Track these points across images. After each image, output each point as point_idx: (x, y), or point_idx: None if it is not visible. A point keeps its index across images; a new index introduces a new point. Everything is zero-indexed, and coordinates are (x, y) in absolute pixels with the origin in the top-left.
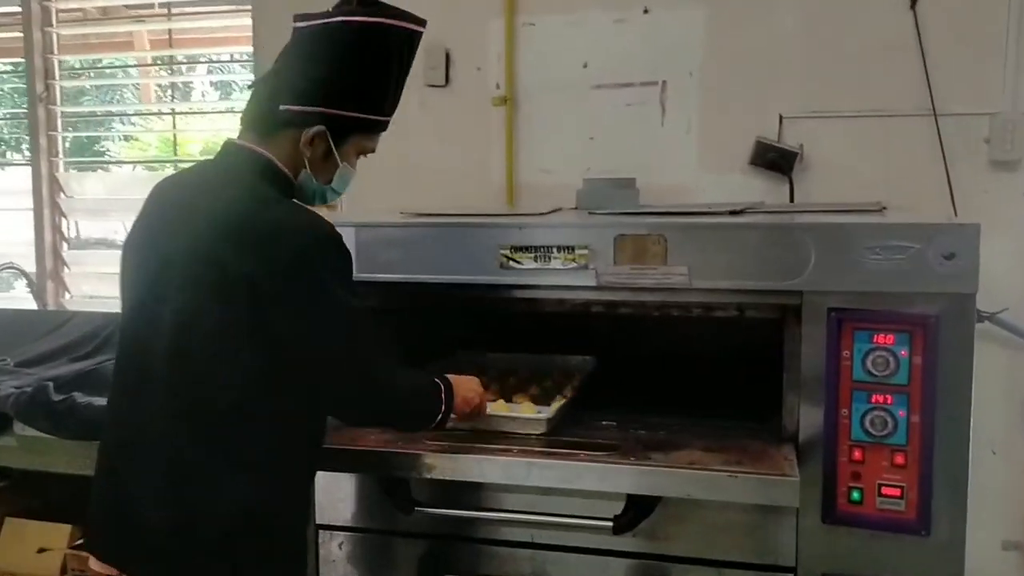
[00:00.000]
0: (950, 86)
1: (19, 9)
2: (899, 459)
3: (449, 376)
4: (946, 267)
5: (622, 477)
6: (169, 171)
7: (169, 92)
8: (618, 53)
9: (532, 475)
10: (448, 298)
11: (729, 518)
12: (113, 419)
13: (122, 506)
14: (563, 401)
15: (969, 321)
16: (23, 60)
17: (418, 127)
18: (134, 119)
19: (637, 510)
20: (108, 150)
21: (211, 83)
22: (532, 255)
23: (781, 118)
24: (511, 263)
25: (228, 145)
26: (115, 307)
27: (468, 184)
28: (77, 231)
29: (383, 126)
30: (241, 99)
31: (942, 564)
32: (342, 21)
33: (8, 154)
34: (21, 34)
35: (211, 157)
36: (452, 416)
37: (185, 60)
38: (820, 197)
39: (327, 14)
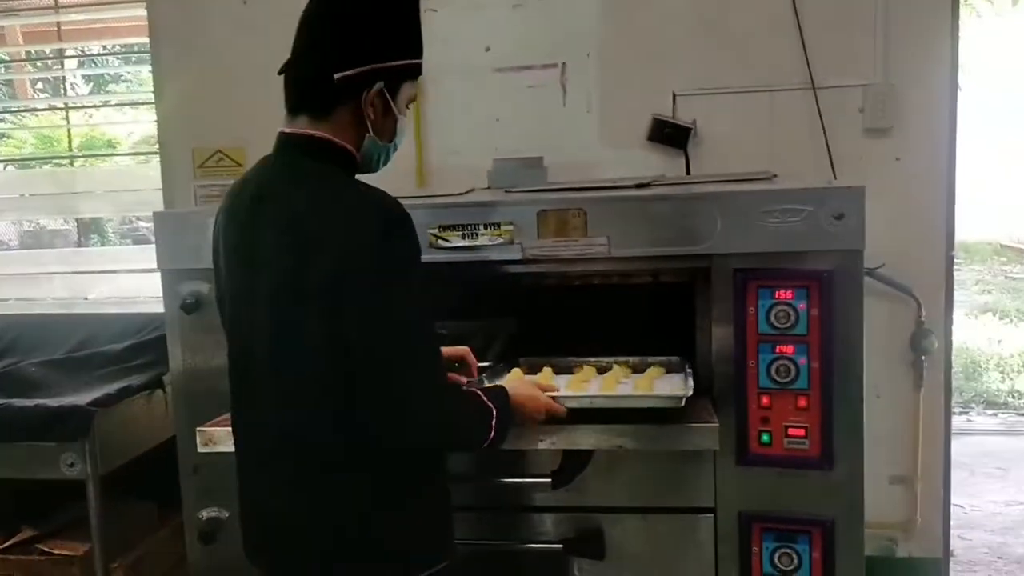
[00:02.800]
0: (826, 61)
1: None
2: (802, 403)
3: (508, 392)
4: (836, 227)
5: (559, 435)
6: (47, 167)
7: (39, 86)
8: (518, 37)
9: None
10: None
11: (652, 468)
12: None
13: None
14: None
15: (858, 275)
16: None
17: None
18: (4, 116)
19: (573, 466)
20: None
21: (83, 76)
22: (460, 233)
23: (675, 96)
24: (440, 242)
25: (281, 137)
26: (9, 310)
27: None
28: None
29: (420, 69)
30: (117, 92)
31: (844, 496)
32: None
33: None
34: None
35: (270, 153)
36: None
37: (53, 55)
38: (714, 168)
39: None
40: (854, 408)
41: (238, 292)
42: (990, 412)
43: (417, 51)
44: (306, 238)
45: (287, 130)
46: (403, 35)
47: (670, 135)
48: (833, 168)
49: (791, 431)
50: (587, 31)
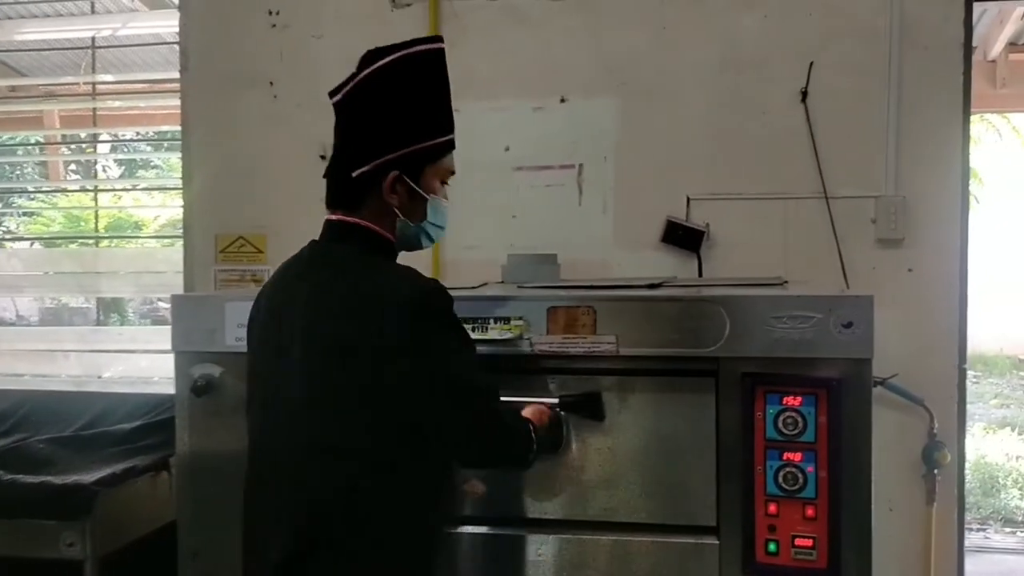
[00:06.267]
0: (839, 171)
1: None
2: (810, 512)
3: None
4: (845, 335)
5: None
6: (73, 246)
7: (72, 168)
8: (537, 138)
9: None
10: None
11: (655, 569)
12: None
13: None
14: None
15: (867, 384)
16: None
17: None
18: (36, 196)
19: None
20: (7, 228)
21: (115, 160)
22: (471, 326)
23: (688, 199)
24: None
25: (326, 224)
26: (28, 385)
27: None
28: (15, 308)
29: (450, 145)
30: (147, 177)
31: None
32: (368, 73)
33: None
34: None
35: (316, 239)
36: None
37: (88, 139)
38: (727, 272)
39: (353, 75)
40: (863, 520)
41: (266, 370)
42: (1008, 530)
43: (433, 133)
44: (340, 331)
45: (331, 217)
46: (413, 122)
47: (683, 238)
48: (846, 277)
49: (799, 541)
50: (605, 134)
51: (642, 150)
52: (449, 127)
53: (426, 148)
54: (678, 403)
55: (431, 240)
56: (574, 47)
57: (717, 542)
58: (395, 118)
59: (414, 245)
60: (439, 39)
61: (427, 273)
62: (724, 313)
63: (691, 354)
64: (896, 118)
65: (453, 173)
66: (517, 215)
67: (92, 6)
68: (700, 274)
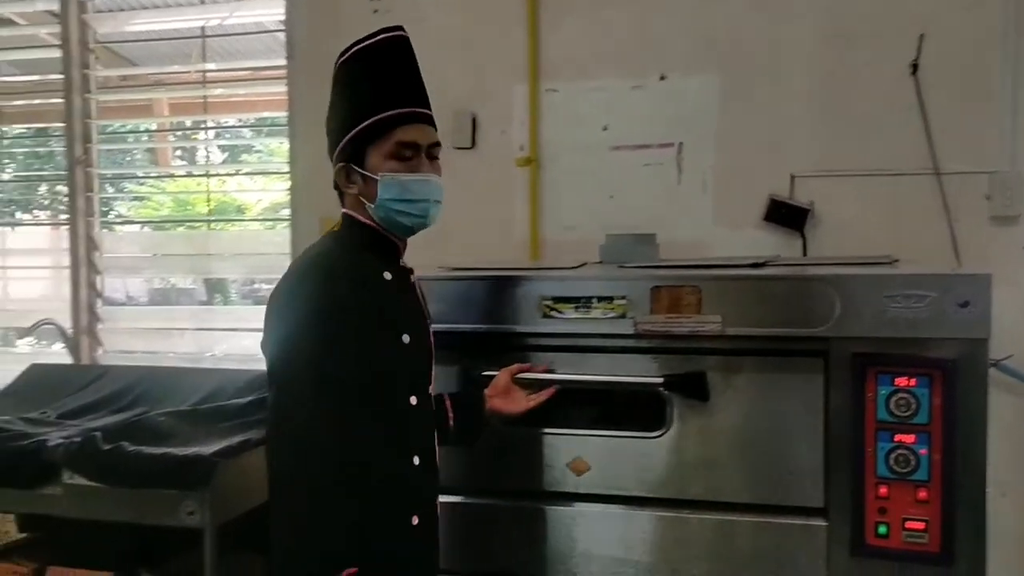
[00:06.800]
0: (951, 146)
1: (61, 76)
2: (922, 495)
3: None
4: (961, 314)
5: None
6: (181, 229)
7: (178, 153)
8: (636, 116)
9: None
10: (492, 346)
11: (760, 549)
12: None
13: None
14: None
15: (982, 365)
16: (63, 124)
17: (446, 187)
18: (145, 181)
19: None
20: (117, 211)
21: (218, 146)
22: (573, 305)
23: (792, 177)
24: (553, 313)
25: None
26: (146, 361)
27: (493, 240)
28: (126, 289)
29: (388, 122)
30: (249, 161)
31: None
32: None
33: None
34: (63, 100)
35: None
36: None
37: (192, 127)
38: (832, 251)
39: None
40: (977, 504)
41: None
42: None
43: (361, 118)
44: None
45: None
46: (344, 117)
47: (787, 216)
48: (957, 255)
49: (910, 524)
50: (705, 112)
51: (744, 127)
52: (382, 104)
53: (358, 134)
54: (785, 383)
55: (413, 216)
56: (673, 24)
57: (825, 523)
58: (332, 118)
59: (398, 225)
60: (387, 30)
61: (524, 253)
62: (834, 292)
63: (800, 334)
64: (1011, 91)
65: (408, 144)
66: (615, 195)
67: None
68: (804, 253)
